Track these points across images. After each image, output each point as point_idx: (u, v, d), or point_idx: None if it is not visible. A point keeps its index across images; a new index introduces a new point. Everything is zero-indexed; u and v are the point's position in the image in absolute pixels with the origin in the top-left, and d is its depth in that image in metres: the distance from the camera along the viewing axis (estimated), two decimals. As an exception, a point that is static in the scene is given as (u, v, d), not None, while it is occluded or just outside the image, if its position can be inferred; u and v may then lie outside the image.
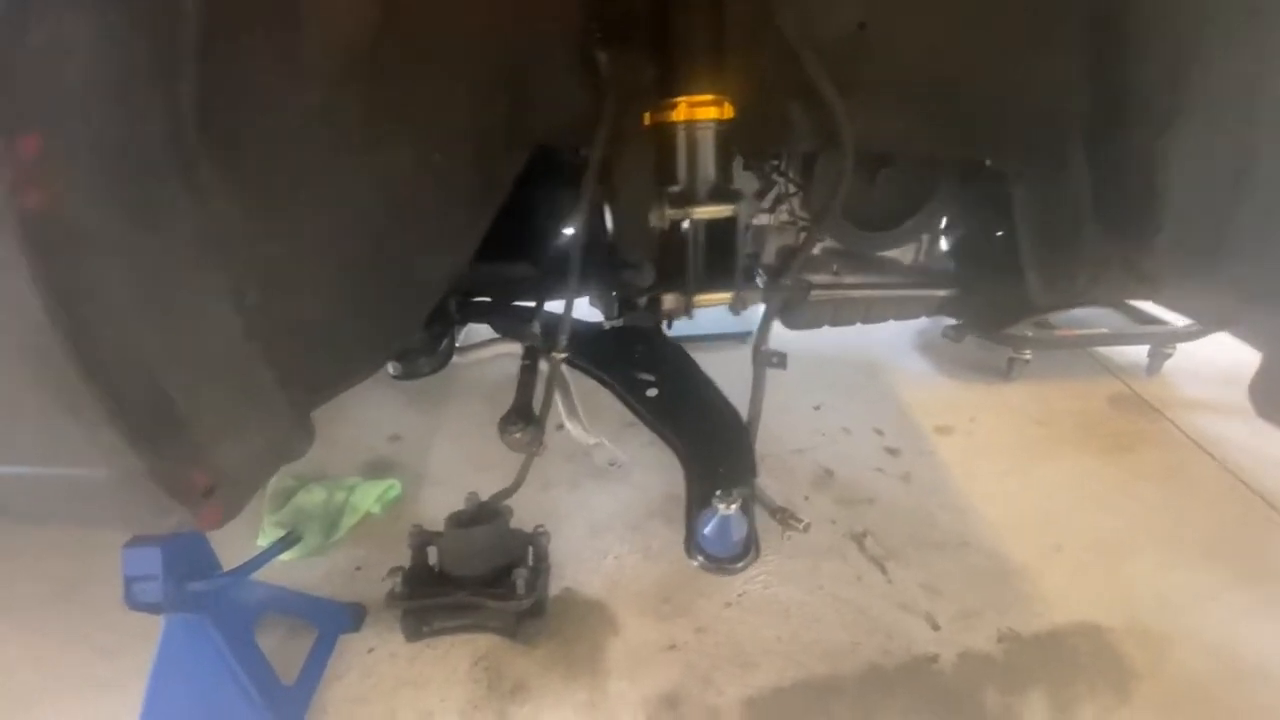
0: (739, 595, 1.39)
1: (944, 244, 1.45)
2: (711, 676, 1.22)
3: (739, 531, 1.03)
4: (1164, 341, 2.16)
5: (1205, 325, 1.65)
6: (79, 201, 0.53)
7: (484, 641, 1.28)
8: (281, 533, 1.39)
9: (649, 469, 1.75)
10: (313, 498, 1.57)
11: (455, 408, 2.06)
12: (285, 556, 1.42)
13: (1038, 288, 1.18)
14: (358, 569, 1.45)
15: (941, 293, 1.38)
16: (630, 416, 1.86)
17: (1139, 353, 2.25)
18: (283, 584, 1.30)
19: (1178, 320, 2.16)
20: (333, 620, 1.28)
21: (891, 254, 1.40)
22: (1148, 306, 2.30)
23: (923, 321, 2.58)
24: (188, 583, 0.98)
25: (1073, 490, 1.71)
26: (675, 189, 0.90)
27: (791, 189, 1.25)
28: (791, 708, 1.17)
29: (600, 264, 1.37)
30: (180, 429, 0.67)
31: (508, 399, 1.23)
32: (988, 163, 1.21)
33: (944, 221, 1.34)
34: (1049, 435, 1.93)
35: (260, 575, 1.21)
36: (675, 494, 1.65)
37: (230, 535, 1.10)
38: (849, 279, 1.33)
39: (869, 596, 1.39)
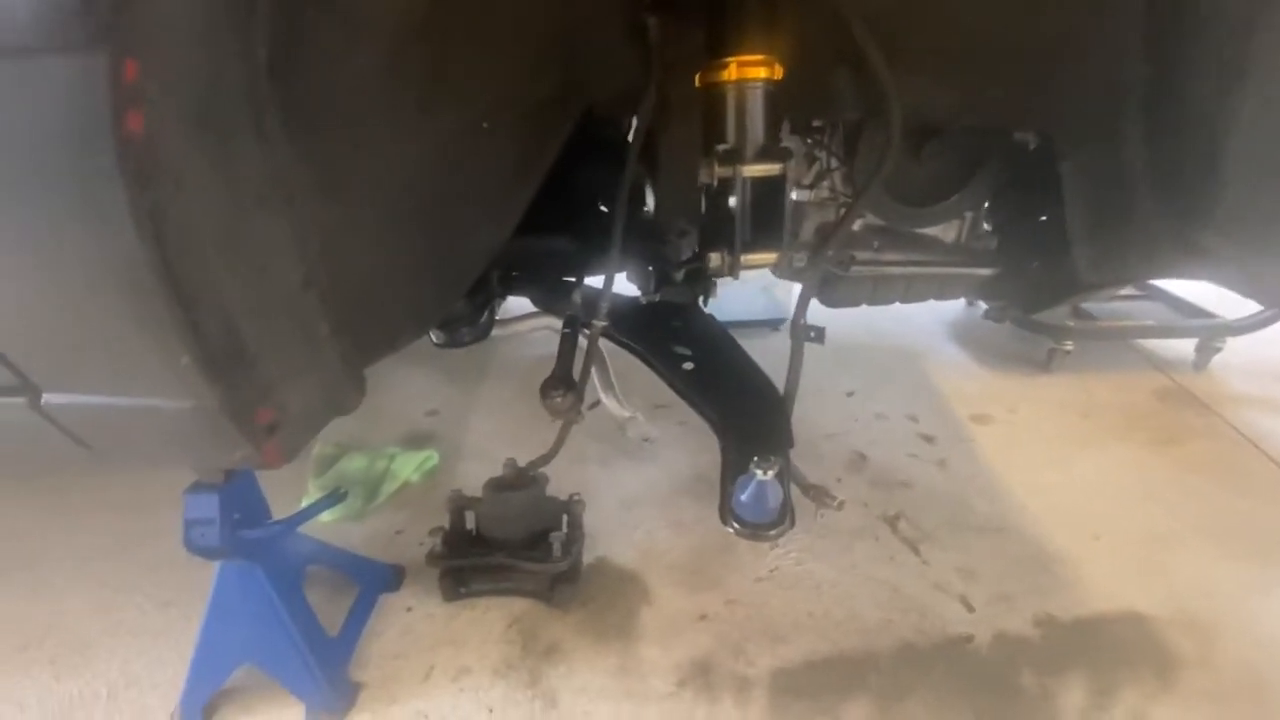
0: (770, 571, 1.40)
1: (987, 222, 1.42)
2: (743, 647, 1.23)
3: (775, 498, 1.03)
4: (1213, 335, 2.09)
5: (1264, 304, 1.58)
6: (170, 133, 0.56)
7: (519, 605, 1.31)
8: (325, 496, 1.43)
9: (678, 450, 1.77)
10: (354, 464, 1.62)
11: (491, 385, 2.10)
12: (327, 519, 1.47)
13: (1086, 265, 1.15)
14: (397, 533, 1.49)
15: (984, 271, 1.36)
16: (661, 398, 1.87)
17: (1185, 348, 2.19)
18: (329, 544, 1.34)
19: (1227, 314, 2.10)
20: (374, 579, 1.32)
21: (933, 232, 1.38)
22: (1196, 299, 2.23)
23: (959, 312, 2.56)
24: (242, 530, 1.02)
25: (1115, 482, 1.67)
26: (725, 147, 0.91)
27: (834, 163, 1.24)
28: (823, 680, 1.17)
29: (639, 238, 1.39)
30: (249, 366, 0.70)
31: (542, 377, 1.26)
32: (1036, 135, 1.19)
33: (989, 198, 1.32)
34: (1091, 427, 1.89)
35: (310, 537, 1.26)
36: (703, 474, 1.67)
37: (276, 499, 1.15)
38: (889, 256, 1.32)
39: (902, 577, 1.38)
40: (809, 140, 1.24)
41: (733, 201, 0.93)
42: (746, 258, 0.97)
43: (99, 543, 1.48)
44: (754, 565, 1.41)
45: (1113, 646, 1.23)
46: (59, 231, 0.57)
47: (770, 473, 1.01)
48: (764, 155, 0.91)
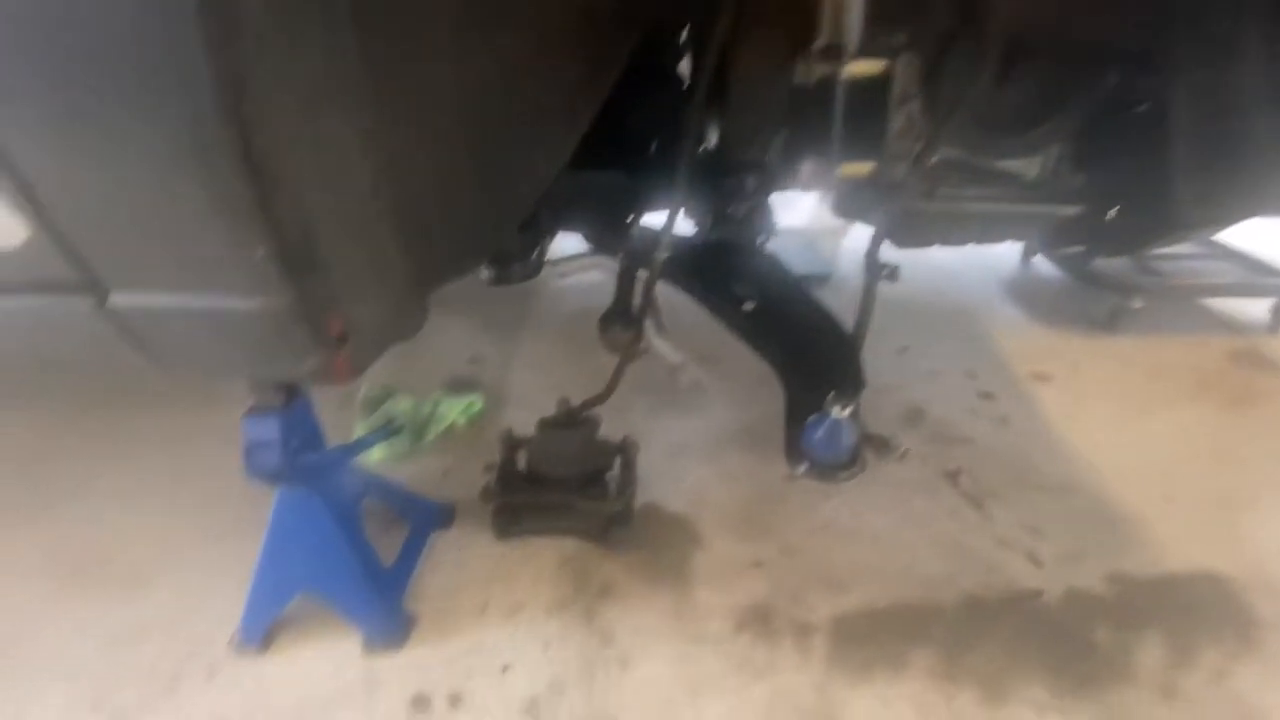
0: (825, 522, 1.36)
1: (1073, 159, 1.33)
2: (801, 594, 1.20)
3: (850, 438, 0.99)
4: (1293, 295, 1.97)
5: None
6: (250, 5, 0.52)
7: (570, 545, 1.29)
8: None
9: (725, 403, 1.72)
10: (401, 406, 1.60)
11: (530, 335, 2.06)
12: (377, 456, 1.46)
13: (1192, 202, 1.07)
14: (445, 474, 1.48)
15: (1069, 210, 1.27)
16: (708, 348, 1.83)
17: (1259, 309, 2.07)
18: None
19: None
20: (426, 516, 1.30)
21: (1015, 167, 1.29)
22: (1270, 258, 2.11)
23: (1013, 270, 2.45)
24: (300, 456, 1.00)
25: (1186, 442, 1.59)
26: (821, 44, 0.84)
27: (915, 89, 1.16)
28: (887, 629, 1.14)
29: (697, 174, 1.32)
30: (320, 268, 0.67)
31: (581, 328, 1.21)
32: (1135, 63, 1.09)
33: (1079, 131, 1.23)
34: (1159, 387, 1.80)
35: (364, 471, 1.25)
36: (751, 427, 1.62)
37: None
38: (968, 191, 1.23)
39: (965, 531, 1.33)
40: (890, 58, 1.15)
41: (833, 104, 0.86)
42: (844, 167, 0.90)
43: (151, 478, 1.49)
44: (807, 516, 1.37)
45: (1190, 606, 1.18)
46: (134, 105, 0.53)
47: (847, 411, 0.96)
48: (869, 52, 0.83)
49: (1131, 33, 1.02)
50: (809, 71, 0.84)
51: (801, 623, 1.15)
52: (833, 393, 0.95)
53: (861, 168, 0.91)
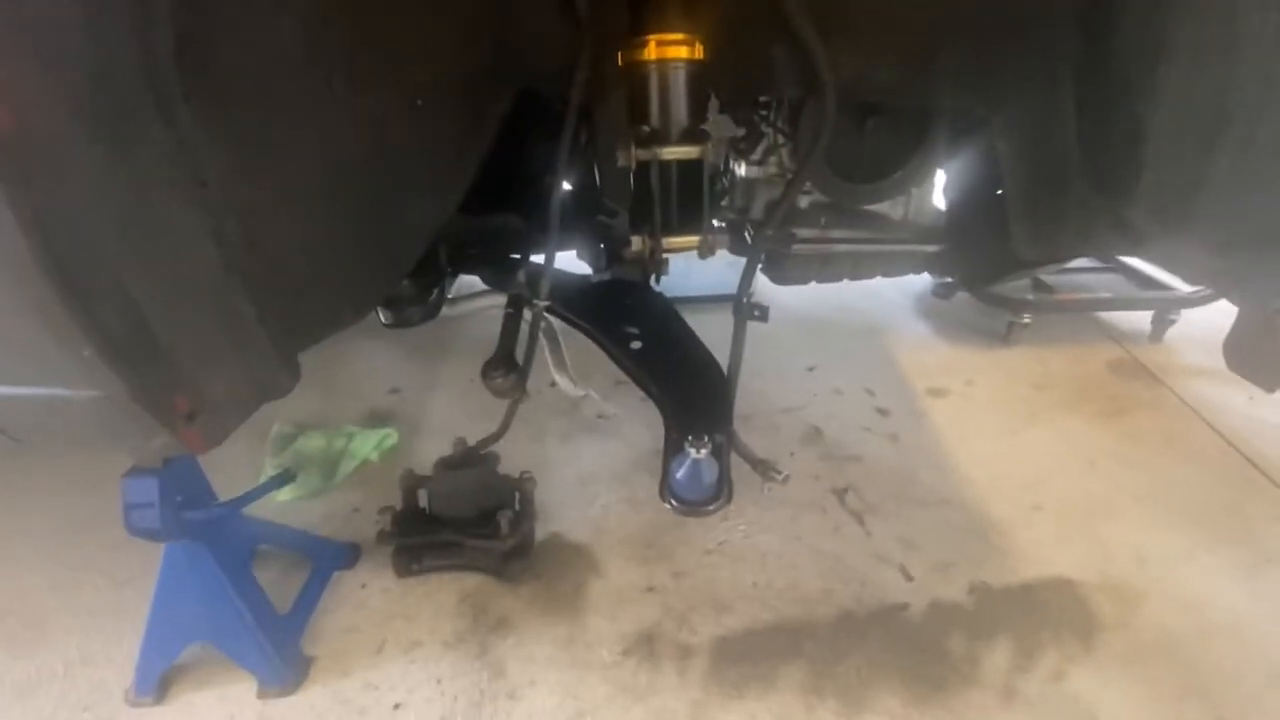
0: (719, 543, 1.43)
1: (935, 198, 1.43)
2: (687, 617, 1.27)
3: (710, 475, 1.06)
4: (1167, 307, 2.13)
5: (1188, 282, 1.61)
6: (49, 126, 0.55)
7: (471, 580, 1.34)
8: (281, 476, 1.44)
9: (638, 425, 1.79)
10: (312, 443, 1.63)
11: (453, 363, 2.10)
12: (286, 497, 1.48)
13: (1024, 241, 1.17)
14: (355, 511, 1.51)
15: (930, 248, 1.37)
16: (622, 374, 1.89)
17: (1142, 319, 2.22)
18: (282, 523, 1.36)
19: (1183, 286, 2.13)
20: (328, 556, 1.34)
21: (880, 209, 1.38)
22: (1153, 272, 2.26)
23: (925, 285, 2.57)
24: (185, 511, 1.03)
25: (1061, 453, 1.72)
26: (645, 129, 0.90)
27: (780, 140, 1.24)
28: (763, 647, 1.22)
29: (587, 216, 1.38)
30: (159, 353, 0.70)
31: None
32: (975, 112, 1.19)
33: (934, 174, 1.32)
34: (1043, 399, 1.93)
35: (263, 517, 1.28)
36: (661, 450, 1.69)
37: (233, 480, 1.17)
38: (836, 233, 1.32)
39: (846, 548, 1.42)
40: (755, 116, 1.23)
41: (653, 184, 0.92)
42: (669, 241, 0.97)
43: (55, 522, 1.49)
44: (703, 539, 1.44)
45: (1041, 612, 1.29)
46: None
47: (704, 451, 1.03)
48: (684, 138, 0.90)
49: (958, 91, 1.11)
50: (629, 157, 0.90)
51: (684, 645, 1.22)
52: (690, 435, 1.01)
53: (688, 241, 0.98)
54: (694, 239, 0.98)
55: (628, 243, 1.18)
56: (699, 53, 0.88)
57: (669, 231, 0.95)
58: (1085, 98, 1.02)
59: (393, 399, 1.92)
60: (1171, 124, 0.88)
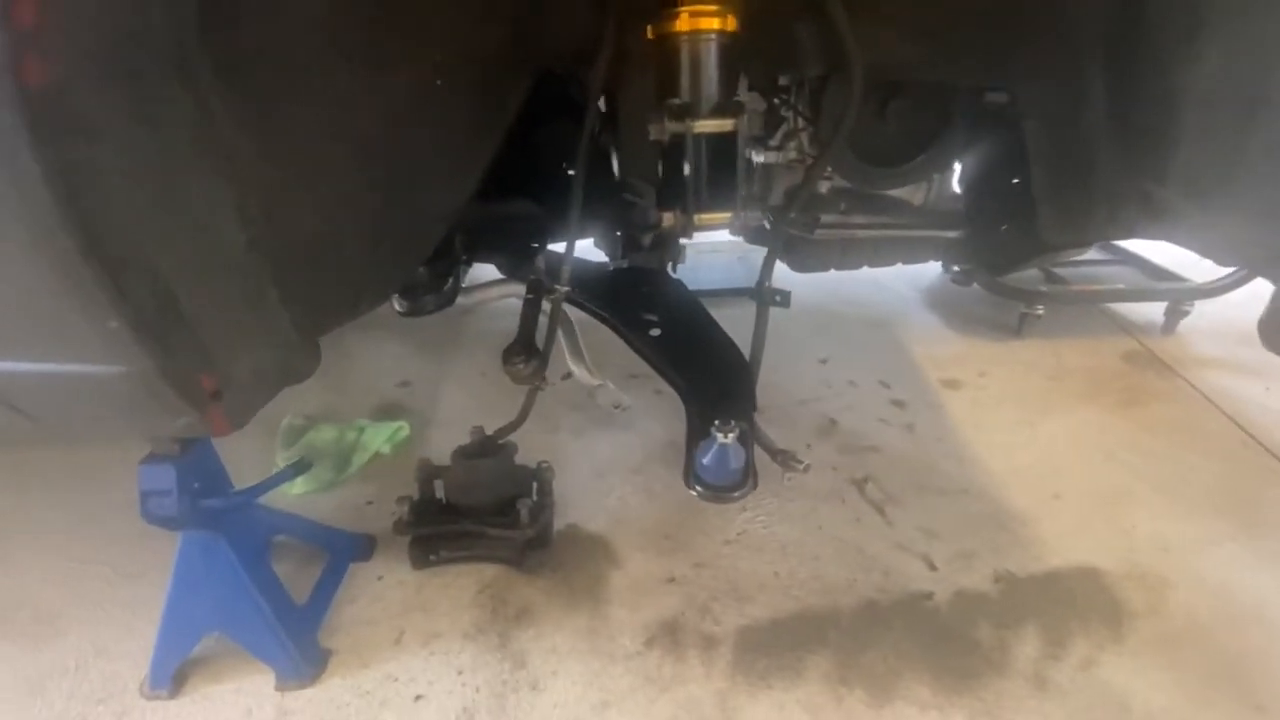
0: (738, 534, 1.42)
1: (955, 184, 1.41)
2: (709, 607, 1.25)
3: (737, 460, 1.04)
4: (1181, 298, 2.12)
5: (1220, 263, 1.59)
6: (80, 86, 0.54)
7: (489, 571, 1.32)
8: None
9: (653, 417, 1.77)
10: (324, 436, 1.61)
11: (464, 356, 2.08)
12: (298, 490, 1.46)
13: (1051, 225, 1.15)
14: (368, 503, 1.49)
15: (951, 234, 1.35)
16: (636, 366, 1.86)
17: (1155, 311, 2.22)
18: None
19: (1196, 278, 2.12)
20: (344, 548, 1.32)
21: (901, 194, 1.37)
22: (1166, 263, 2.26)
23: (934, 279, 2.57)
24: (201, 500, 1.01)
25: (1078, 443, 1.70)
26: (677, 102, 0.89)
27: (800, 123, 1.23)
28: (787, 637, 1.20)
29: (606, 204, 1.37)
30: (186, 329, 0.69)
31: None
32: (1002, 92, 1.17)
33: (957, 159, 1.31)
34: (1058, 390, 1.91)
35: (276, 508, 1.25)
36: (677, 441, 1.66)
37: (244, 474, 1.14)
38: (856, 219, 1.31)
39: (867, 537, 1.41)
40: (776, 99, 1.22)
41: (686, 159, 0.91)
42: (700, 217, 0.95)
43: (63, 516, 1.47)
44: (722, 529, 1.43)
45: (1068, 600, 1.27)
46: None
47: (731, 436, 1.02)
48: (717, 111, 0.89)
49: (986, 71, 1.10)
50: (661, 130, 0.89)
51: (708, 635, 1.21)
52: (717, 420, 1.00)
53: (720, 217, 0.97)
54: (726, 214, 0.97)
55: (648, 228, 1.17)
56: (731, 24, 0.87)
57: (701, 207, 0.94)
58: (1115, 76, 1.01)
59: (403, 392, 1.90)
60: (1206, 104, 0.87)
